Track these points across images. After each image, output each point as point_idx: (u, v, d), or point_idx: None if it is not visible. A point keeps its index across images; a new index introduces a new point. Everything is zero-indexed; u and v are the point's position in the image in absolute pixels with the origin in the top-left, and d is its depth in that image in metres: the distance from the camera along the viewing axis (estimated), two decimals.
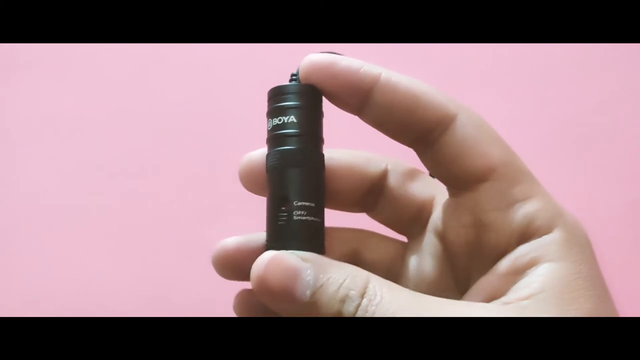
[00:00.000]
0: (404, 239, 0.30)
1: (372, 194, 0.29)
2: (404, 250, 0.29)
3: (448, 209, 0.27)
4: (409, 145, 0.26)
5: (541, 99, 0.55)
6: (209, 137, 0.52)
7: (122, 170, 0.52)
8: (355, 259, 0.29)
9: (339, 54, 0.26)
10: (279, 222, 0.25)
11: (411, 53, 0.56)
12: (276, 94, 0.26)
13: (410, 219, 0.29)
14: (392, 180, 0.29)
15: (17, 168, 0.52)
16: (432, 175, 0.29)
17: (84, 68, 0.55)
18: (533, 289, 0.23)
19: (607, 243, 0.50)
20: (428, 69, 0.56)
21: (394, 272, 0.29)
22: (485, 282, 0.24)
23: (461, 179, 0.25)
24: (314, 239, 0.25)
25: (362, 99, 0.25)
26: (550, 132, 0.54)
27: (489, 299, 0.24)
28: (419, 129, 0.25)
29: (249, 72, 0.52)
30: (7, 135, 0.53)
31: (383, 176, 0.28)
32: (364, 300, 0.22)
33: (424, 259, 0.28)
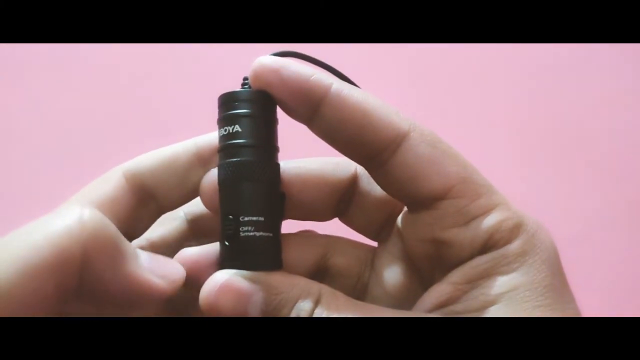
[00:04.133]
0: (373, 244, 0.29)
1: (343, 199, 0.28)
2: (373, 255, 0.29)
3: (407, 223, 0.27)
4: (360, 163, 0.26)
5: (538, 100, 0.55)
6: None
7: None
8: (324, 265, 0.29)
9: (295, 54, 0.25)
10: (227, 240, 0.24)
11: (408, 53, 0.55)
12: (227, 101, 0.25)
13: (381, 223, 0.29)
14: (363, 184, 0.28)
15: (17, 168, 0.52)
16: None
17: (85, 68, 0.55)
18: (482, 301, 0.23)
19: (605, 243, 0.50)
20: (426, 69, 0.55)
21: (364, 277, 0.29)
22: (439, 290, 0.24)
23: (417, 198, 0.25)
24: (264, 255, 0.24)
25: (311, 110, 0.24)
26: (547, 133, 0.54)
27: (440, 306, 0.24)
28: (369, 147, 0.24)
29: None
30: (7, 135, 0.54)
31: (353, 180, 0.28)
32: None
33: (392, 264, 0.28)
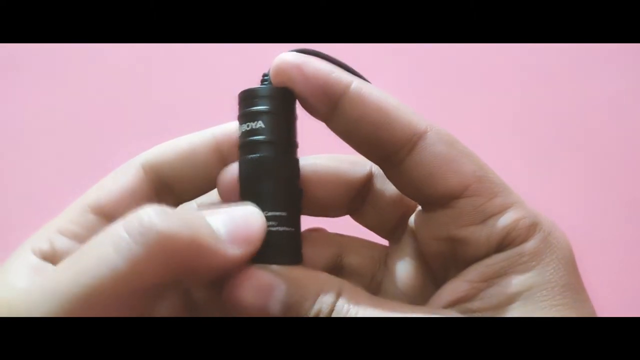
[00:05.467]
0: (385, 242, 0.30)
1: (358, 197, 0.29)
2: (386, 254, 0.29)
3: (421, 222, 0.27)
4: (376, 162, 0.26)
5: (540, 99, 0.55)
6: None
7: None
8: (339, 264, 0.29)
9: (314, 52, 0.25)
10: None
11: (410, 53, 0.56)
12: (247, 97, 0.25)
13: (395, 222, 0.29)
14: (378, 183, 0.28)
15: (15, 168, 0.52)
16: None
17: (83, 68, 0.55)
18: (499, 300, 0.23)
19: (605, 243, 0.51)
20: (427, 70, 0.55)
21: (377, 276, 0.29)
22: (454, 287, 0.24)
23: (433, 197, 0.25)
24: (287, 249, 0.24)
25: (330, 107, 0.24)
26: (548, 133, 0.54)
27: (455, 302, 0.24)
28: (387, 145, 0.24)
29: (251, 71, 0.51)
30: (5, 135, 0.53)
31: (368, 179, 0.28)
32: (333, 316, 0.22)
33: (405, 263, 0.28)
